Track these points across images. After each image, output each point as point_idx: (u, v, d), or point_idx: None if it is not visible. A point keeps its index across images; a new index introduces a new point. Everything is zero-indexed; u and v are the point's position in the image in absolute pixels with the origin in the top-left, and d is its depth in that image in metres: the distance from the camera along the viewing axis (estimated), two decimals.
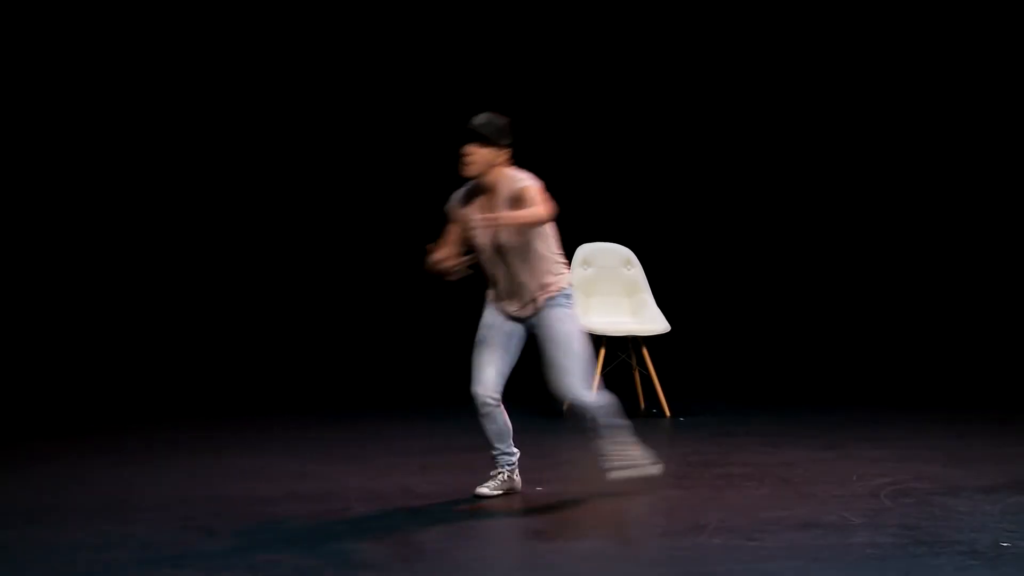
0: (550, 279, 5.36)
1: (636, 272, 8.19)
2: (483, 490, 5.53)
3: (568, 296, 5.39)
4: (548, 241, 5.39)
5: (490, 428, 5.46)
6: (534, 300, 5.35)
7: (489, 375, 5.39)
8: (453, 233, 5.50)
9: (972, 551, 4.46)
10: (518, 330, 5.44)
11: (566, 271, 5.46)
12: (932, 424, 7.50)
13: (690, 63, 10.22)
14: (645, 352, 7.93)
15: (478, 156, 5.31)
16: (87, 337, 10.03)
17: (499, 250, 5.34)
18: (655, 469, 5.51)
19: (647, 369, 7.88)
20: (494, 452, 5.54)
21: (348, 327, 10.40)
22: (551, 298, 5.34)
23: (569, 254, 8.14)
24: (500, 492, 5.54)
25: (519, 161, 5.47)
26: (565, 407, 5.98)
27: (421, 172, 10.53)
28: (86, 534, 4.92)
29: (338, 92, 10.53)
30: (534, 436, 7.15)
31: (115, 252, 10.26)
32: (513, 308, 5.40)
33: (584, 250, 8.24)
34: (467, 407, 5.49)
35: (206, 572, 4.38)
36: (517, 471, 5.60)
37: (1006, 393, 8.64)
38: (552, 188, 5.32)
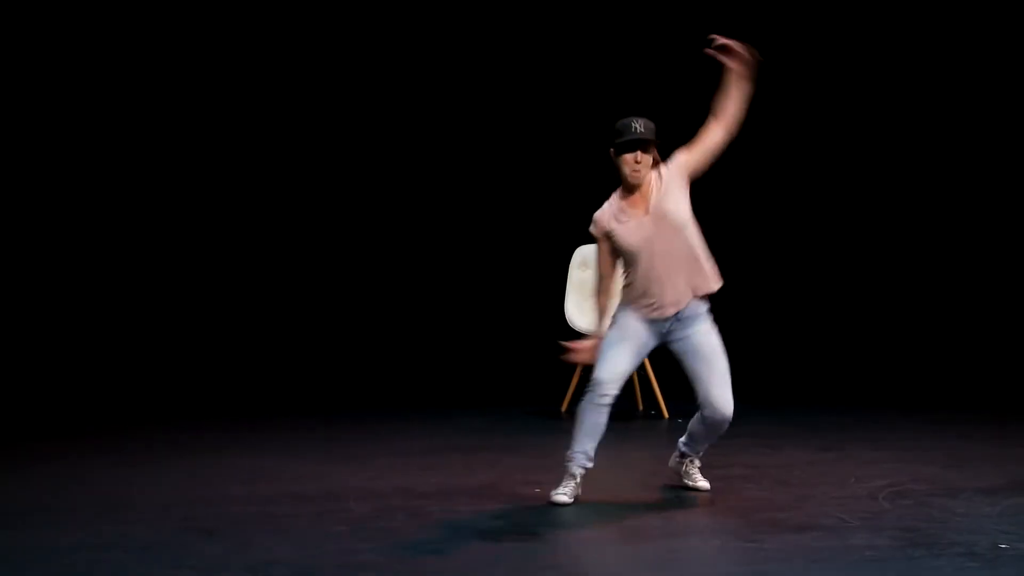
0: (699, 281, 5.34)
1: None
2: (561, 498, 5.39)
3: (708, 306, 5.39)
4: (700, 240, 5.38)
5: (595, 421, 5.34)
6: (678, 302, 5.31)
7: (621, 369, 5.33)
8: (604, 253, 5.44)
9: (970, 553, 4.47)
10: (652, 340, 5.41)
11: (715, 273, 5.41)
12: (931, 426, 7.51)
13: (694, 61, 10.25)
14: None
15: (647, 160, 5.33)
16: (87, 337, 10.05)
17: (652, 249, 5.29)
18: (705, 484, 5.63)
19: (645, 371, 7.88)
20: (578, 451, 5.38)
21: (347, 327, 10.48)
22: (700, 301, 5.34)
23: (569, 255, 8.18)
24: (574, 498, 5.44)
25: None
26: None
27: (415, 175, 10.71)
28: (86, 534, 4.93)
29: (338, 93, 10.58)
30: (532, 437, 7.19)
31: (115, 253, 10.30)
32: (657, 311, 5.33)
33: (583, 251, 8.24)
34: (465, 409, 5.52)
35: (206, 572, 4.39)
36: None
37: (1004, 395, 8.65)
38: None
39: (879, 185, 10.29)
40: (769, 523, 4.99)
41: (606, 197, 5.40)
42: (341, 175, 10.68)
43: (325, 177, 10.67)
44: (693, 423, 5.52)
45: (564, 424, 7.40)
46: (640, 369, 7.98)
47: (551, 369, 7.65)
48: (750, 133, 10.35)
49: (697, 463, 5.67)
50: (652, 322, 5.35)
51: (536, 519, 5.17)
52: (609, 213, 5.39)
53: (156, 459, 6.60)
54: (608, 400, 5.30)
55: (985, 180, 10.11)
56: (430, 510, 5.31)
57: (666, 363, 8.02)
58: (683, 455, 5.67)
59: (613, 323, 5.40)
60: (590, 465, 5.39)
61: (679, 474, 5.70)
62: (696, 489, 5.62)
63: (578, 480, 5.40)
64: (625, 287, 5.41)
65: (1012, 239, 10.03)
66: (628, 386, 7.94)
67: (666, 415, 7.88)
